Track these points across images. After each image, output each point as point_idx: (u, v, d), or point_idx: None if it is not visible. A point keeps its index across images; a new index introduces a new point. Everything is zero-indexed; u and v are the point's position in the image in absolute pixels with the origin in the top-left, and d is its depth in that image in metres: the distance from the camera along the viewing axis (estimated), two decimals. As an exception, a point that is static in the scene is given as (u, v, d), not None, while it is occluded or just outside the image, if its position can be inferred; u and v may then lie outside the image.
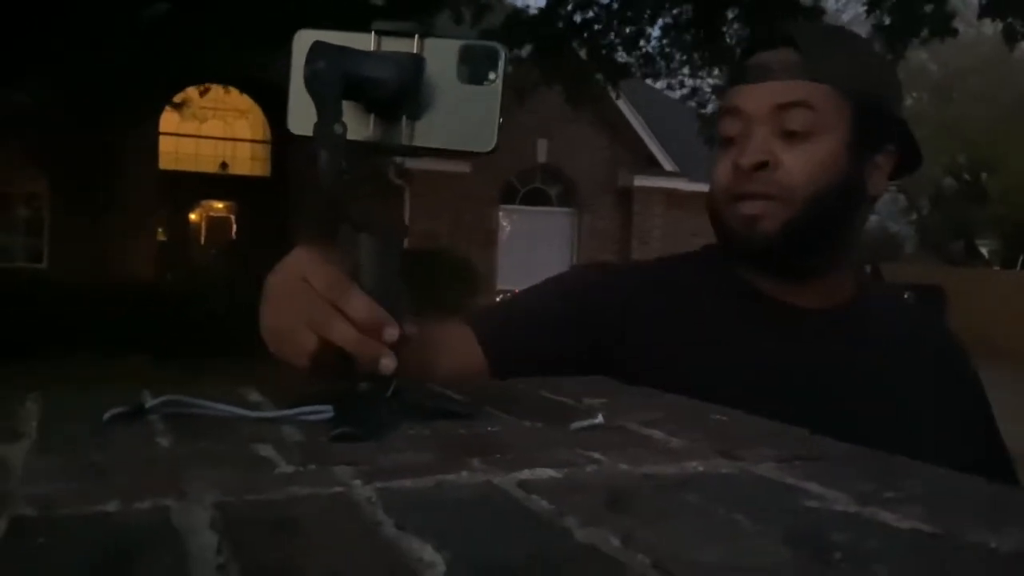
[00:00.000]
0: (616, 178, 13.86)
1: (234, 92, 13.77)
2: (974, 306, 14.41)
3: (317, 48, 0.60)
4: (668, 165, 13.85)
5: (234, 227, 15.57)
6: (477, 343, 0.99)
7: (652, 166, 13.88)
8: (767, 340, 1.01)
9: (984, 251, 26.82)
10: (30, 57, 8.63)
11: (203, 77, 11.79)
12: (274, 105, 14.01)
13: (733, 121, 0.99)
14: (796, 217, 0.95)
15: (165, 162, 13.85)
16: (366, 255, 0.65)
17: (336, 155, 0.60)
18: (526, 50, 9.13)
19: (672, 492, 0.52)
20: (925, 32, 7.73)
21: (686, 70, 10.57)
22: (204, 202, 15.44)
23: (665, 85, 11.30)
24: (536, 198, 14.02)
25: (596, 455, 0.59)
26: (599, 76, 9.97)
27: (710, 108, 10.62)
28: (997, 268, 23.64)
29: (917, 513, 0.48)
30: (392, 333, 0.63)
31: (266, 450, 0.58)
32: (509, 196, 13.59)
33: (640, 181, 13.83)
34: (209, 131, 14.53)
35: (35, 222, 13.43)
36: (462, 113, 0.63)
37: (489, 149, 0.63)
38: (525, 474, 0.53)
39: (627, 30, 9.65)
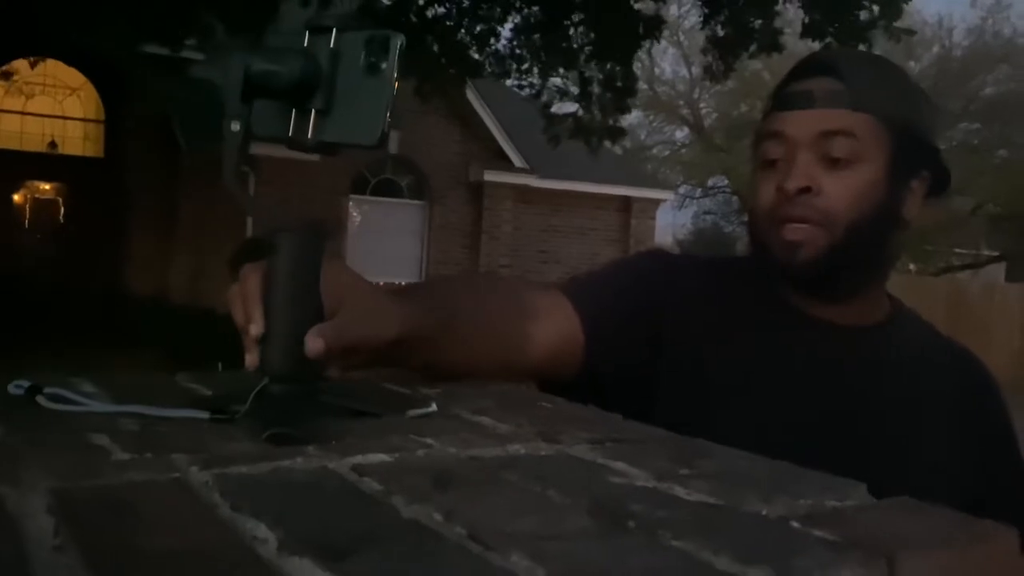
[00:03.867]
0: (467, 172, 13.96)
1: (63, 67, 12.97)
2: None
3: (217, 48, 0.61)
4: (518, 161, 14.06)
5: (62, 210, 14.67)
6: (575, 312, 0.98)
7: (502, 161, 14.05)
8: (799, 354, 1.04)
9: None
10: None
11: (34, 48, 11.04)
12: (108, 82, 13.28)
13: (776, 145, 1.02)
14: (836, 243, 0.99)
15: (-15, 138, 12.91)
16: (282, 255, 0.65)
17: (231, 153, 0.61)
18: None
19: (493, 472, 0.57)
20: (754, 46, 8.21)
21: (535, 70, 10.76)
22: (30, 183, 14.47)
23: (515, 83, 11.48)
24: (387, 189, 13.94)
25: (428, 440, 0.63)
26: (452, 71, 10.02)
27: (555, 108, 10.88)
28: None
29: (704, 487, 0.54)
30: (254, 330, 0.65)
31: (101, 439, 0.59)
32: (360, 186, 13.45)
33: (490, 176, 13.98)
34: (36, 108, 13.62)
35: None
36: (358, 106, 0.64)
37: (373, 143, 0.64)
38: (358, 459, 0.57)
39: (478, 28, 9.74)
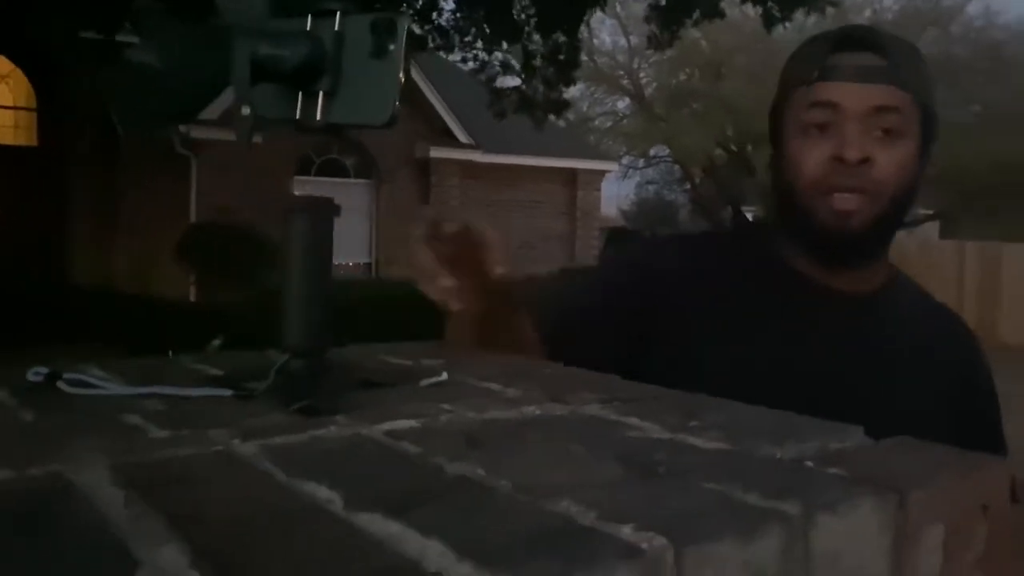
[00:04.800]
0: (413, 150, 13.88)
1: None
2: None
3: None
4: (463, 137, 14.03)
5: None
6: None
7: (447, 138, 14.00)
8: (802, 319, 1.09)
9: (749, 217, 29.05)
10: None
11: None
12: (39, 68, 12.88)
13: (824, 113, 1.04)
14: (881, 213, 1.04)
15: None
16: (295, 233, 0.67)
17: (241, 135, 0.62)
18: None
19: (516, 432, 0.60)
20: (697, 13, 8.28)
21: (479, 44, 10.73)
22: (-42, 174, 13.99)
23: (459, 58, 11.43)
24: (333, 169, 13.79)
25: (446, 406, 0.65)
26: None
27: (499, 82, 10.86)
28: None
29: (718, 436, 0.58)
30: (446, 282, 0.91)
31: (133, 419, 0.60)
32: (305, 167, 13.28)
33: (436, 152, 13.92)
34: (-38, 96, 13.16)
35: None
36: (365, 87, 0.65)
37: (383, 122, 0.65)
38: (388, 425, 0.59)
39: (419, 2, 9.65)
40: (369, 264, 13.66)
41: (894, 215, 1.06)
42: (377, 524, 0.40)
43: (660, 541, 0.38)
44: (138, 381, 0.70)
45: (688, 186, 30.83)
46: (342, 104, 0.66)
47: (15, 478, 0.46)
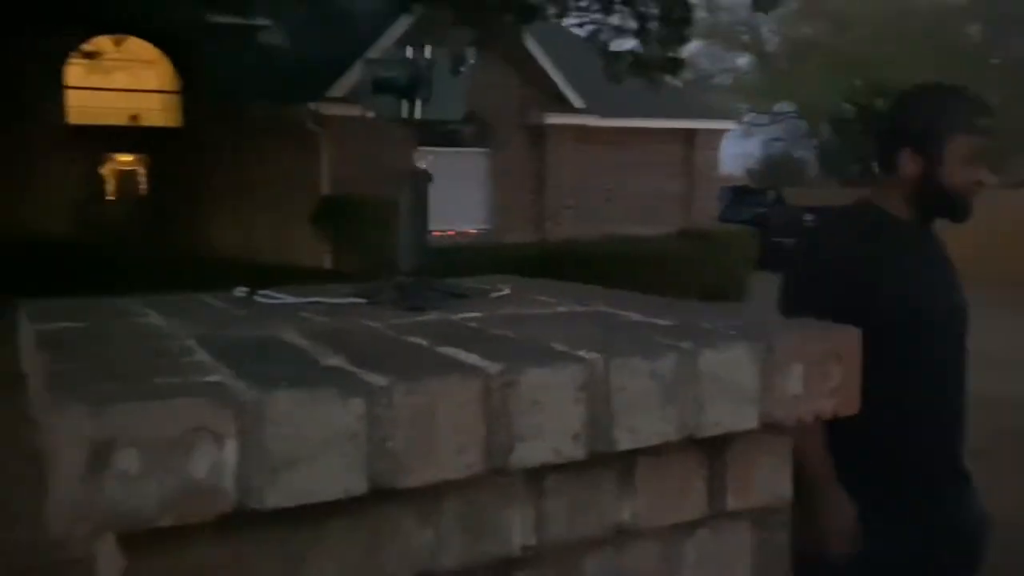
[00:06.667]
0: (527, 117, 14.22)
1: (138, 42, 13.57)
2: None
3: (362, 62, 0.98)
4: (577, 102, 14.25)
5: (143, 180, 15.41)
6: None
7: (561, 103, 14.26)
8: (931, 250, 1.83)
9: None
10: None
11: (109, 26, 11.64)
12: (181, 54, 13.87)
13: (973, 155, 1.76)
14: None
15: (75, 116, 13.64)
16: (404, 194, 1.01)
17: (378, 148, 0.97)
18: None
19: (544, 318, 0.92)
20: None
21: (592, 8, 10.91)
22: (112, 155, 15.23)
23: (573, 23, 11.65)
24: (450, 139, 14.30)
25: (503, 309, 0.98)
26: (509, 18, 10.25)
27: (612, 45, 11.02)
28: (892, 189, 24.83)
29: (674, 319, 0.89)
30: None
31: (305, 314, 0.95)
32: (424, 140, 13.82)
33: (551, 119, 14.21)
34: (116, 83, 14.29)
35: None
36: (447, 95, 0.99)
37: (459, 117, 1.00)
38: (462, 315, 0.93)
39: (532, -28, 9.90)
40: (487, 230, 14.11)
41: None
42: (448, 351, 0.74)
43: (595, 355, 0.70)
44: (304, 295, 1.06)
45: (815, 142, 30.11)
46: (432, 106, 0.99)
47: (250, 336, 0.82)
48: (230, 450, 0.58)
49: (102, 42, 12.48)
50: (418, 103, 0.99)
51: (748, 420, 0.77)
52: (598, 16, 11.13)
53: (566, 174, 14.62)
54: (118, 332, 0.86)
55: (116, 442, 0.55)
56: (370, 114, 0.98)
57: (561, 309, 0.98)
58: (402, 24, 12.26)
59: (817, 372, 0.80)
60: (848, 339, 0.83)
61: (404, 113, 0.99)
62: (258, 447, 0.59)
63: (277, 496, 0.60)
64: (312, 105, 12.24)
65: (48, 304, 1.06)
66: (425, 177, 1.02)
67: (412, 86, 0.98)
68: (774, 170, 30.92)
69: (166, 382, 0.63)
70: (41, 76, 12.36)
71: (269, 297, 1.04)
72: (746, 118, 29.05)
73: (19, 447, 4.61)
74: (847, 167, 27.41)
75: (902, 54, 23.59)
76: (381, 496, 0.64)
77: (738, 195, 19.25)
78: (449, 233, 12.71)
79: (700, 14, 12.25)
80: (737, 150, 32.74)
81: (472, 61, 0.97)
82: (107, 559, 0.67)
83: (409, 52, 1.00)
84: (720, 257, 11.79)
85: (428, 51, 0.98)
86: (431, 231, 1.03)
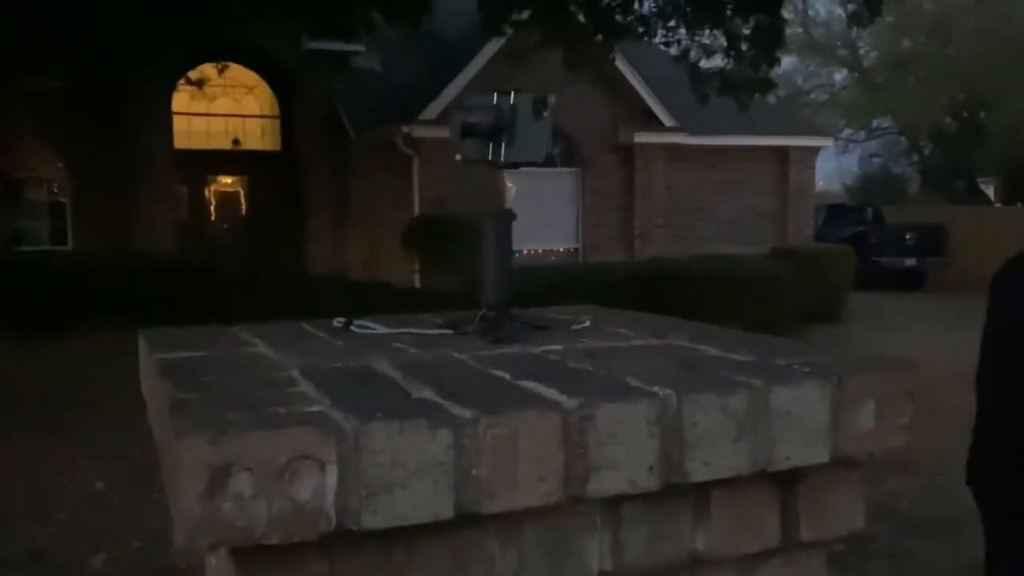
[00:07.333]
0: (617, 136, 14.23)
1: (239, 68, 14.15)
2: (975, 243, 14.83)
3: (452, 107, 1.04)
4: (667, 120, 14.19)
5: (244, 202, 16.00)
6: None
7: (651, 121, 14.22)
8: None
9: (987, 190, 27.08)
10: (45, 43, 9.01)
11: (210, 53, 12.19)
12: (279, 80, 14.40)
13: None
14: None
15: (179, 141, 14.29)
16: (489, 232, 1.07)
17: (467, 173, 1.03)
18: (526, 13, 9.50)
19: (622, 351, 0.96)
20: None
21: (681, 29, 10.89)
22: (215, 178, 15.87)
23: (662, 43, 11.63)
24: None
25: (583, 341, 1.03)
26: (598, 38, 10.31)
27: (701, 64, 10.95)
28: (998, 205, 23.94)
29: (750, 354, 0.92)
30: None
31: (398, 344, 1.02)
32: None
33: (640, 137, 14.18)
34: (218, 108, 14.93)
35: (57, 206, 13.93)
36: (530, 138, 1.05)
37: (541, 159, 1.05)
38: (543, 348, 0.98)
39: (621, -7, 9.95)
40: (576, 249, 14.14)
41: None
42: (529, 385, 0.79)
43: (668, 391, 0.74)
44: (396, 326, 1.12)
45: (915, 158, 29.19)
46: (516, 149, 1.05)
47: (348, 367, 0.89)
48: (331, 476, 0.64)
49: (207, 69, 13.07)
50: (503, 146, 1.05)
51: (819, 455, 0.80)
52: (687, 35, 11.10)
53: (656, 193, 14.55)
54: (231, 362, 0.94)
55: (232, 467, 0.62)
56: (458, 156, 1.04)
57: (638, 343, 1.02)
58: (492, 46, 12.43)
59: (889, 409, 0.82)
60: (921, 377, 0.84)
61: (489, 155, 1.05)
62: (356, 473, 0.65)
63: (373, 518, 0.65)
64: (405, 127, 12.52)
65: (165, 331, 1.15)
66: (509, 216, 1.08)
67: (497, 130, 1.04)
68: (872, 187, 30.06)
69: (275, 411, 0.70)
70: (151, 103, 12.99)
71: (364, 327, 1.11)
72: (842, 134, 28.38)
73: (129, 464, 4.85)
74: (951, 184, 26.47)
75: (1005, 66, 22.69)
76: (467, 520, 0.69)
77: (835, 213, 18.78)
78: (538, 252, 12.79)
79: (795, 30, 12.03)
80: (833, 167, 32.02)
81: (552, 105, 1.02)
82: (220, 571, 0.74)
83: (495, 98, 1.05)
84: (815, 277, 11.53)
85: (512, 97, 1.04)
86: (520, 251, 1.09)
